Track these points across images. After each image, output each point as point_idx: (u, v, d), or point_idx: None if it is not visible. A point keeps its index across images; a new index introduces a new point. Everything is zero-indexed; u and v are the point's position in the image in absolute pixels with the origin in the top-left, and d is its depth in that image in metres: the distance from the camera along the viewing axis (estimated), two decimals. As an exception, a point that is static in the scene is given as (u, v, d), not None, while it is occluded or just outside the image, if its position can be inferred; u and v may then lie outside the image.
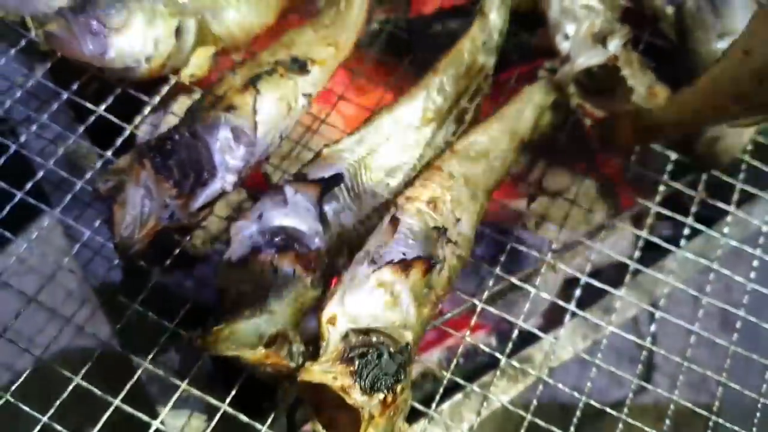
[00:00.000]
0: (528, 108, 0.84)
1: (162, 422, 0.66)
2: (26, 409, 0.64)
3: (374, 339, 0.57)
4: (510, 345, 0.75)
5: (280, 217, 0.66)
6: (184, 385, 0.67)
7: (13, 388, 0.64)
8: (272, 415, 0.67)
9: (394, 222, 0.66)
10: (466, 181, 0.75)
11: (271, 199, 0.68)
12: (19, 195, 0.74)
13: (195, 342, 0.57)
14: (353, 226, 0.70)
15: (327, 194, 0.68)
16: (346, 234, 0.69)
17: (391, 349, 0.57)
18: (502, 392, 0.79)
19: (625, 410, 0.72)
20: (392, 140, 0.78)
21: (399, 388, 0.56)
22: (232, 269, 0.63)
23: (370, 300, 0.59)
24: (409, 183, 0.75)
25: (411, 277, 0.61)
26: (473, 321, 0.75)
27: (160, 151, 0.68)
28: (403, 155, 0.78)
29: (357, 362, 0.55)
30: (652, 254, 0.90)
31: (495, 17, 0.90)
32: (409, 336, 0.60)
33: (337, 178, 0.70)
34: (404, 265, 0.61)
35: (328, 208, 0.69)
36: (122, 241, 0.67)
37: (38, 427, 0.64)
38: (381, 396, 0.55)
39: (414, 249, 0.64)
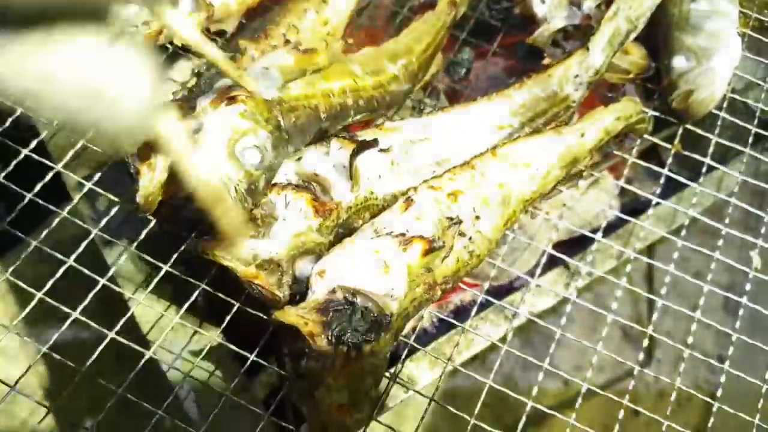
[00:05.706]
0: (592, 130, 0.82)
1: (154, 353, 0.70)
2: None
3: (358, 300, 0.59)
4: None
5: (317, 164, 0.69)
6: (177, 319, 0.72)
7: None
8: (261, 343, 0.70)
9: (408, 201, 0.67)
10: (500, 185, 0.74)
11: (316, 148, 0.71)
12: (24, 152, 0.80)
13: (199, 247, 0.62)
14: (383, 197, 0.71)
15: (365, 156, 0.69)
16: (372, 201, 0.71)
17: (369, 312, 0.58)
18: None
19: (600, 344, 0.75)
20: (453, 134, 0.78)
21: (368, 348, 0.57)
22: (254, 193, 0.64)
23: (362, 263, 0.61)
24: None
25: (409, 253, 0.62)
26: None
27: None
28: (457, 150, 0.77)
29: (331, 314, 0.57)
30: (632, 204, 0.94)
31: (597, 56, 0.87)
32: (393, 307, 0.60)
33: (373, 142, 0.70)
34: (404, 240, 0.63)
35: (365, 170, 0.70)
36: (145, 199, 0.67)
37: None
38: (345, 349, 0.56)
39: (420, 230, 0.65)
